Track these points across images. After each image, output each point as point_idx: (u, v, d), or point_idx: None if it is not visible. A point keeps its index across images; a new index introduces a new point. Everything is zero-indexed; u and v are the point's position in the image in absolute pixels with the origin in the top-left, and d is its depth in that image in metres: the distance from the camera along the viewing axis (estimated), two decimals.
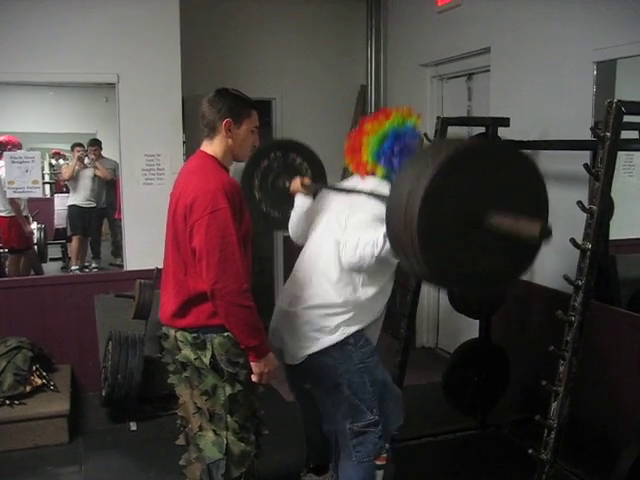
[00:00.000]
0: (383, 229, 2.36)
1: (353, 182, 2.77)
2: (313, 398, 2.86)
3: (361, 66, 6.03)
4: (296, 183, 3.00)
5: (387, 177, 2.66)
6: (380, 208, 2.48)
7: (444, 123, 3.76)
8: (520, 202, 2.01)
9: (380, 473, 2.71)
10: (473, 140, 2.04)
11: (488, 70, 4.53)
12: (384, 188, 2.57)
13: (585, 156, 3.40)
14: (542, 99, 3.98)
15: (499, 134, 3.86)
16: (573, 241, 2.62)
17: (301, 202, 2.96)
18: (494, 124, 3.86)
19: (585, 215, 2.64)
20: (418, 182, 1.88)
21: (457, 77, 5.16)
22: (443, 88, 5.36)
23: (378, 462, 2.70)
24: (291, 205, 3.01)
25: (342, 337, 2.62)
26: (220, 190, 2.34)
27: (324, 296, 2.63)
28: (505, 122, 3.86)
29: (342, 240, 2.53)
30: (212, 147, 2.52)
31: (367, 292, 2.65)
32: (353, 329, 2.64)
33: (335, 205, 2.75)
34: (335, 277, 2.62)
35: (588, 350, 2.75)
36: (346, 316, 2.63)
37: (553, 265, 3.85)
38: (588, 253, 2.60)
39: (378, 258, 2.44)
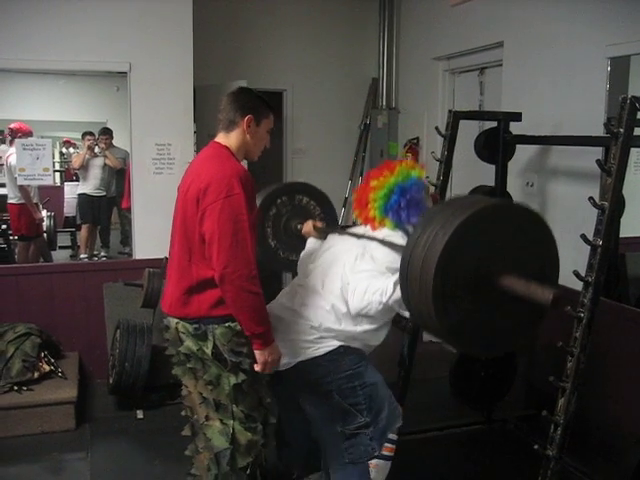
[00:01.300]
0: (393, 278, 2.40)
1: (364, 229, 2.78)
2: (298, 407, 2.84)
3: (373, 59, 6.02)
4: (308, 225, 3.04)
5: (398, 227, 2.69)
6: (391, 257, 2.53)
7: (456, 117, 3.74)
8: (532, 263, 2.10)
9: (387, 465, 2.71)
10: (486, 202, 2.09)
11: (500, 64, 4.51)
12: (396, 237, 2.61)
13: (597, 152, 3.38)
14: (555, 94, 3.96)
15: (511, 129, 3.85)
16: (584, 237, 2.61)
17: (312, 244, 3.00)
18: (506, 119, 3.84)
19: (596, 211, 2.63)
20: (432, 248, 1.96)
21: (469, 71, 5.14)
22: (455, 82, 5.34)
23: (386, 452, 2.69)
24: (290, 247, 3.10)
25: (331, 348, 2.62)
26: (235, 176, 2.36)
27: (322, 319, 2.61)
28: (517, 117, 3.84)
29: (351, 285, 2.54)
30: (228, 140, 2.54)
31: (365, 327, 2.64)
32: (350, 344, 2.64)
33: (348, 243, 2.75)
34: (336, 308, 2.62)
35: (596, 347, 2.74)
36: (338, 341, 2.62)
37: (562, 261, 3.83)
38: (599, 249, 2.59)
39: (385, 306, 2.45)
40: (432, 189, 3.22)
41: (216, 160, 2.46)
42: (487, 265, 2.02)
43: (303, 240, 3.08)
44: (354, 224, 2.88)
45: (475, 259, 2.00)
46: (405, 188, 2.66)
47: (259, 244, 3.01)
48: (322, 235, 2.98)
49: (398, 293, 2.31)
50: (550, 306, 1.87)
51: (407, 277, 2.08)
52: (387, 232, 2.67)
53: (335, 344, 2.60)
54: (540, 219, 2.15)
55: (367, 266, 2.57)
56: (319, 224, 3.03)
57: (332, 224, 3.27)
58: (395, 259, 2.49)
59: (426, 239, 2.01)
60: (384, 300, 2.42)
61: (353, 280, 2.54)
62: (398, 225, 2.68)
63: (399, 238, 2.62)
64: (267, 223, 3.17)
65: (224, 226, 2.32)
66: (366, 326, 2.61)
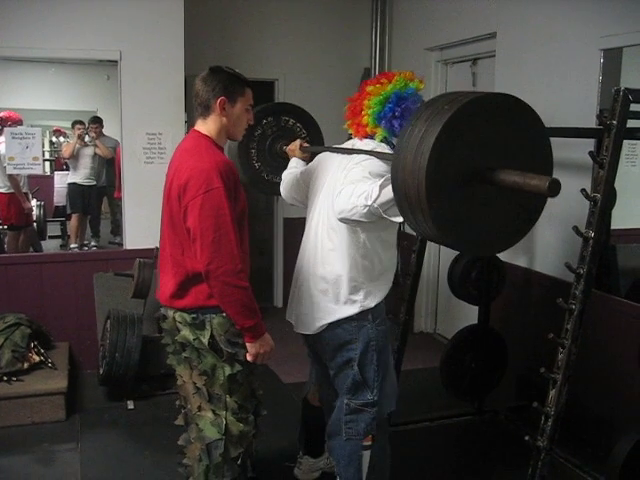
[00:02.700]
0: (379, 181, 2.33)
1: (351, 143, 2.75)
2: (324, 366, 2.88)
3: (365, 49, 5.99)
4: (294, 144, 3.03)
5: (386, 139, 2.65)
6: (378, 166, 2.49)
7: None
8: (525, 156, 2.02)
9: (367, 454, 2.71)
10: (475, 94, 2.02)
11: (493, 55, 4.50)
12: (382, 149, 2.58)
13: (589, 144, 3.39)
14: (547, 86, 3.95)
15: None
16: (576, 229, 2.61)
17: (295, 163, 2.99)
18: None
19: (588, 203, 2.63)
20: (425, 139, 1.87)
21: (462, 62, 5.13)
22: (448, 73, 5.33)
23: (365, 442, 2.71)
24: (274, 169, 3.08)
25: (360, 309, 2.61)
26: (214, 170, 2.32)
27: (337, 267, 2.61)
28: None
29: (337, 190, 2.49)
30: (206, 126, 2.50)
31: (374, 259, 2.63)
32: (372, 304, 2.64)
33: (333, 168, 2.71)
34: (342, 244, 2.60)
35: (586, 338, 2.75)
36: (363, 290, 2.62)
37: (554, 253, 3.85)
38: (591, 241, 2.59)
39: (370, 210, 2.34)
40: None
41: (195, 153, 2.41)
42: (480, 159, 1.94)
43: (287, 161, 3.05)
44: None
45: (467, 154, 1.92)
46: (402, 97, 2.60)
47: (243, 167, 3.01)
48: (306, 153, 2.95)
49: (384, 197, 2.26)
50: (547, 192, 1.83)
51: (399, 168, 1.99)
52: (374, 144, 2.63)
53: (360, 306, 2.60)
54: (528, 108, 2.08)
55: (352, 173, 2.53)
56: (305, 144, 2.99)
57: (313, 132, 3.26)
58: (379, 164, 2.49)
59: (417, 132, 1.92)
60: (369, 203, 2.33)
61: (340, 186, 2.51)
62: (388, 136, 2.63)
63: (385, 149, 2.59)
64: (252, 144, 3.13)
65: (205, 222, 2.30)
66: (375, 257, 2.62)
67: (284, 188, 3.01)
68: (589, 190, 2.64)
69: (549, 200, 4.06)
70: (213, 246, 2.29)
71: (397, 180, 1.99)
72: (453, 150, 1.89)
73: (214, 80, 2.46)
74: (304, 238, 2.84)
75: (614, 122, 2.54)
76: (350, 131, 2.79)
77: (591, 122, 3.50)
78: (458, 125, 1.87)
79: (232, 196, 2.36)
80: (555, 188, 1.77)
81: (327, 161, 2.80)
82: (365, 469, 2.71)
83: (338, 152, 2.73)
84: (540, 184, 1.81)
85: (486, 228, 2.05)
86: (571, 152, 3.67)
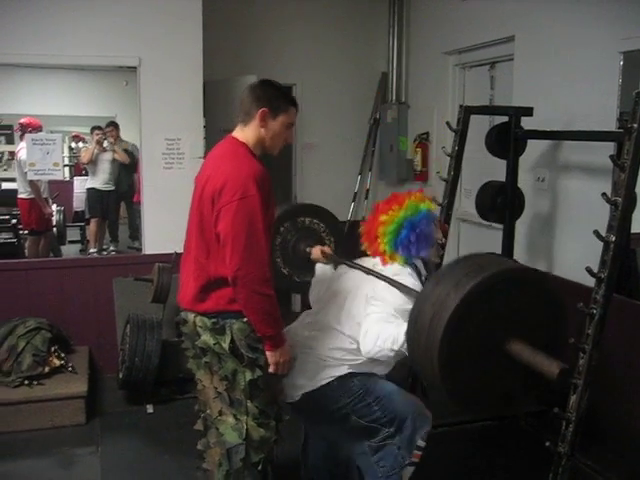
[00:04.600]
0: (404, 326, 2.35)
1: (373, 262, 2.76)
2: (320, 435, 2.89)
3: (383, 53, 5.99)
4: (317, 252, 3.05)
5: (407, 263, 2.70)
6: (400, 299, 2.53)
7: (467, 112, 3.73)
8: (541, 330, 2.11)
9: (410, 469, 2.69)
10: (498, 265, 2.11)
11: (512, 59, 4.48)
12: (404, 275, 2.62)
13: (609, 147, 3.36)
14: (566, 89, 3.93)
15: (522, 124, 3.83)
16: (597, 233, 2.59)
17: (322, 271, 3.01)
18: (517, 113, 3.83)
19: (608, 207, 2.61)
20: (440, 312, 1.99)
21: (480, 65, 5.11)
22: (465, 76, 5.31)
23: (413, 459, 2.67)
24: (304, 270, 3.11)
25: (338, 374, 2.60)
26: (251, 177, 2.33)
27: (331, 352, 2.61)
28: (528, 112, 3.83)
29: (362, 328, 2.53)
30: (244, 134, 2.50)
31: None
32: (358, 371, 2.63)
33: (358, 278, 2.73)
34: (346, 344, 2.61)
35: (607, 343, 2.72)
36: (345, 368, 2.61)
37: (573, 257, 3.82)
38: (612, 245, 2.57)
39: (397, 353, 2.45)
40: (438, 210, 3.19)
41: (232, 159, 2.42)
42: (495, 330, 2.04)
43: (314, 263, 3.10)
44: (363, 254, 2.86)
45: (484, 324, 2.02)
46: (414, 222, 2.67)
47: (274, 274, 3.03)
48: (330, 262, 2.99)
49: None
50: (555, 380, 1.90)
51: (415, 332, 2.11)
52: (397, 268, 2.67)
53: (342, 371, 2.60)
54: (552, 289, 2.16)
55: (377, 308, 2.56)
56: (327, 250, 3.04)
57: (339, 239, 3.30)
58: (404, 301, 2.52)
59: (436, 299, 2.03)
60: (395, 348, 2.42)
61: (365, 322, 2.53)
62: (408, 259, 2.68)
63: (407, 276, 2.63)
64: (275, 255, 3.18)
65: (238, 228, 2.31)
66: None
67: (312, 293, 3.00)
68: (609, 194, 2.63)
69: (569, 203, 4.06)
70: (244, 253, 2.30)
71: (413, 355, 2.16)
72: (467, 326, 1.99)
73: (261, 91, 2.49)
74: (316, 312, 2.83)
75: (635, 125, 2.53)
76: (369, 252, 2.81)
77: (611, 125, 3.47)
78: (473, 302, 1.97)
79: (265, 205, 2.37)
80: (564, 378, 1.87)
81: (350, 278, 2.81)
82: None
83: (359, 269, 2.75)
84: (551, 370, 1.91)
85: (490, 390, 2.15)
86: (591, 156, 3.65)
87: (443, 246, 2.92)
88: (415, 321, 2.11)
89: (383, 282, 2.60)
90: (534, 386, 2.14)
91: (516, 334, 2.05)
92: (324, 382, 2.59)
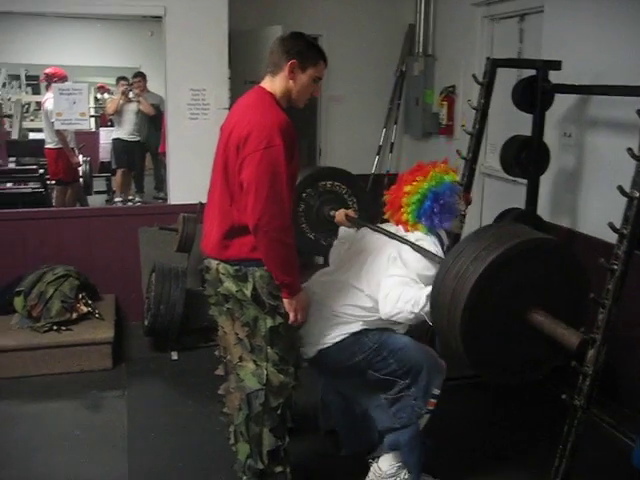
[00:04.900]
0: (426, 290, 2.41)
1: (396, 228, 2.78)
2: (335, 389, 2.94)
3: (410, 4, 5.88)
4: (340, 215, 3.06)
5: (431, 232, 2.71)
6: (423, 263, 2.55)
7: (493, 64, 3.68)
8: (563, 299, 2.16)
9: (427, 417, 2.76)
10: (517, 236, 2.12)
11: (542, 11, 4.38)
12: (428, 242, 2.63)
13: (638, 103, 3.30)
14: (597, 42, 3.84)
15: (550, 78, 3.77)
16: (621, 189, 2.58)
17: (345, 234, 3.03)
18: (545, 67, 3.77)
19: (635, 163, 2.58)
20: (460, 287, 2.04)
21: (509, 17, 5.01)
22: (494, 28, 5.21)
23: (429, 407, 2.73)
24: (329, 232, 3.15)
25: (352, 331, 2.65)
26: (276, 127, 2.35)
27: (348, 310, 2.65)
28: (556, 65, 3.76)
29: (382, 289, 2.55)
30: (272, 84, 2.51)
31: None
32: (373, 327, 2.68)
33: (380, 241, 2.75)
34: (363, 303, 2.65)
35: (627, 300, 2.73)
36: (360, 325, 2.66)
37: (598, 214, 3.79)
38: (635, 201, 2.56)
39: (417, 316, 2.47)
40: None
41: (259, 108, 2.44)
42: (516, 301, 2.07)
43: (330, 226, 3.14)
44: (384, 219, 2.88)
45: (504, 295, 2.06)
46: (438, 193, 2.68)
47: (299, 238, 3.06)
48: (354, 225, 3.00)
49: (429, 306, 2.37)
50: (575, 350, 1.93)
51: (438, 308, 2.17)
52: (419, 235, 2.69)
53: (356, 327, 2.65)
54: (574, 257, 2.18)
55: (399, 271, 2.58)
56: (351, 213, 3.06)
57: (361, 201, 3.32)
58: (426, 266, 2.55)
59: (456, 272, 2.08)
60: (416, 311, 2.45)
61: (385, 284, 2.55)
62: (431, 229, 2.70)
63: (431, 244, 2.64)
64: (300, 220, 3.22)
65: (262, 177, 2.32)
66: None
67: (332, 256, 3.03)
68: (636, 150, 2.60)
69: (596, 160, 4.02)
70: (267, 201, 2.32)
71: (437, 328, 2.25)
72: (489, 296, 2.03)
73: (292, 43, 2.50)
74: (334, 270, 2.87)
75: None
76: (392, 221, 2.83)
77: None
78: (495, 274, 2.02)
79: (289, 156, 2.38)
80: (584, 348, 1.88)
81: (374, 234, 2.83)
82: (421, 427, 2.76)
83: (382, 233, 2.76)
84: (571, 341, 1.96)
85: (512, 359, 2.21)
86: (620, 111, 3.59)
87: (464, 216, 2.93)
88: (437, 295, 2.17)
89: (407, 246, 2.62)
90: (560, 350, 2.16)
91: (537, 304, 2.08)
92: (339, 339, 2.64)
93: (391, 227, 2.80)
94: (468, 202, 3.01)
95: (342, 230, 3.07)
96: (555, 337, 2.00)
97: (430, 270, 2.51)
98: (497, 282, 2.03)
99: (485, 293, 2.01)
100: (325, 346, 2.65)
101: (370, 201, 3.45)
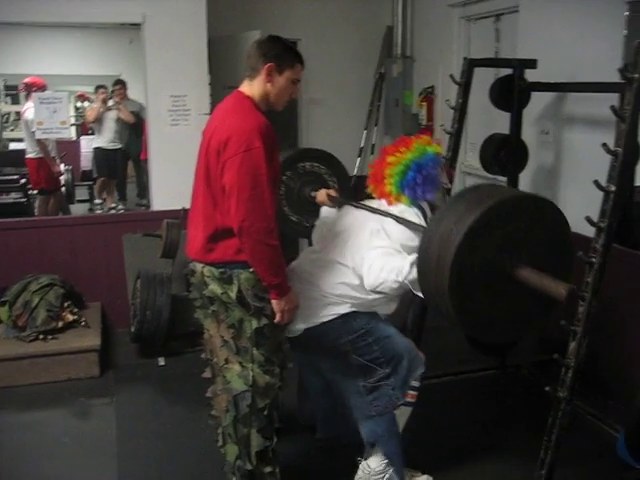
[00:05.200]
0: (410, 258, 2.43)
1: (378, 203, 2.79)
2: (316, 371, 2.94)
3: (387, 6, 5.93)
4: (322, 195, 3.07)
5: (413, 204, 2.72)
6: (407, 234, 2.57)
7: (471, 64, 3.72)
8: (547, 254, 2.16)
9: (408, 410, 2.78)
10: (497, 196, 2.15)
11: (517, 11, 4.44)
12: (410, 214, 2.65)
13: (614, 99, 3.35)
14: (571, 41, 3.90)
15: (527, 76, 3.82)
16: (597, 183, 2.62)
17: (327, 214, 3.03)
18: (520, 66, 3.81)
19: (610, 158, 2.63)
20: (445, 248, 2.04)
21: (485, 18, 5.07)
22: (471, 29, 5.27)
23: (409, 399, 2.76)
24: (312, 213, 3.13)
25: (342, 312, 2.66)
26: (256, 130, 2.37)
27: (334, 289, 2.66)
28: (532, 64, 3.81)
29: (366, 261, 2.56)
30: (250, 88, 2.54)
31: (376, 296, 2.66)
32: (361, 310, 2.70)
33: (363, 215, 2.77)
34: (349, 280, 2.66)
35: (608, 292, 2.77)
36: (348, 307, 2.67)
37: (577, 210, 3.83)
38: (611, 195, 2.60)
39: (401, 285, 2.48)
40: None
41: (238, 112, 2.46)
42: (501, 259, 2.08)
43: (311, 207, 3.14)
44: (369, 196, 2.89)
45: (489, 255, 2.06)
46: (421, 164, 2.69)
47: (282, 222, 3.06)
48: (336, 205, 3.01)
49: (414, 274, 2.36)
50: (563, 300, 1.93)
51: (424, 273, 2.16)
52: (402, 207, 2.70)
53: (344, 309, 2.66)
54: (555, 209, 2.19)
55: (382, 242, 2.60)
56: (333, 193, 3.06)
57: (342, 180, 3.30)
58: (410, 237, 2.56)
59: (439, 237, 2.08)
60: (400, 279, 2.46)
61: (368, 256, 2.56)
62: (413, 201, 2.71)
63: (414, 215, 2.66)
64: (282, 203, 3.21)
65: (243, 179, 2.35)
66: (377, 295, 2.65)
67: (314, 236, 3.04)
68: (611, 145, 2.64)
69: (573, 156, 4.07)
70: (249, 204, 2.35)
71: (426, 295, 2.25)
72: (474, 256, 2.04)
73: (268, 46, 2.53)
74: (318, 249, 2.88)
75: (636, 76, 2.53)
76: (375, 194, 2.84)
77: (616, 77, 3.45)
78: (479, 231, 2.03)
79: (270, 158, 2.41)
80: (572, 298, 1.89)
81: (356, 211, 2.84)
82: (402, 425, 2.79)
83: (365, 209, 2.77)
84: (558, 291, 1.96)
85: (503, 317, 2.22)
86: (595, 107, 3.65)
87: (449, 191, 2.95)
88: (422, 263, 2.17)
89: (389, 218, 2.64)
90: (550, 305, 2.19)
91: (522, 261, 2.09)
92: (327, 319, 2.65)
93: (373, 203, 2.81)
94: (450, 176, 3.03)
95: (324, 210, 3.08)
96: (543, 290, 2.01)
97: (414, 241, 2.53)
98: (481, 241, 2.04)
99: (470, 253, 2.02)
100: (312, 325, 2.66)
101: (350, 180, 3.44)
